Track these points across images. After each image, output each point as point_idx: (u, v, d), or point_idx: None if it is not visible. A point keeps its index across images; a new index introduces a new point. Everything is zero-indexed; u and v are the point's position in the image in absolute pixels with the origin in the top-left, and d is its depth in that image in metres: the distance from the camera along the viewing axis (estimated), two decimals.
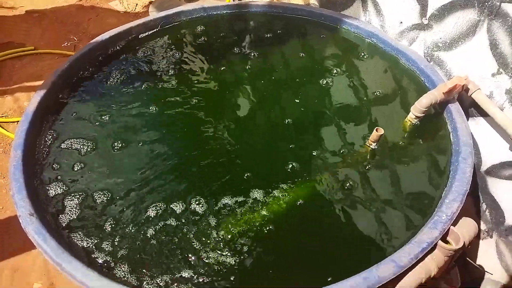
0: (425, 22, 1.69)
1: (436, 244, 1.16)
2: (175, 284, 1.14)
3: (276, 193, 1.38)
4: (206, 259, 1.20)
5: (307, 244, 1.28)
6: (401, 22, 1.82)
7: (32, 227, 1.15)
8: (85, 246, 1.21)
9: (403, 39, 1.85)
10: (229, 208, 1.33)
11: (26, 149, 1.36)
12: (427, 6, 1.65)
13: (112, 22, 3.69)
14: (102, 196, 1.35)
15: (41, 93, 1.52)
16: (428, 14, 1.66)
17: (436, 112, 1.60)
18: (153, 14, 2.49)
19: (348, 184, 1.41)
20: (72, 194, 1.35)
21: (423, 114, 1.53)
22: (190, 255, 1.21)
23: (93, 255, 1.19)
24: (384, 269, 1.07)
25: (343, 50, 1.97)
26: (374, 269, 1.07)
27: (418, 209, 1.34)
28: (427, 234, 1.17)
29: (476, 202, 1.64)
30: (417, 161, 1.49)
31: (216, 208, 1.33)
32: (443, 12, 1.59)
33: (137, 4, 3.96)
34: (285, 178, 1.42)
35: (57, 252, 1.09)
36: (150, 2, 3.97)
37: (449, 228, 1.21)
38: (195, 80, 1.83)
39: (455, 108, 1.54)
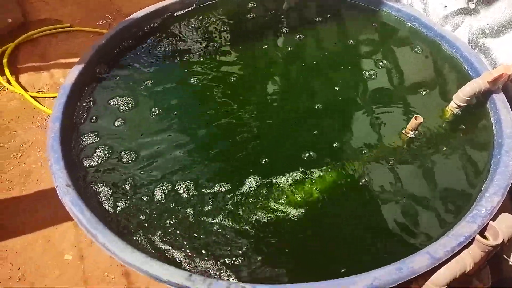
0: (472, 6, 1.61)
1: (473, 239, 1.12)
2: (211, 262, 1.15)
3: (313, 178, 1.36)
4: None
5: (342, 232, 1.27)
6: (446, 6, 1.73)
7: (68, 197, 1.17)
8: (119, 218, 1.24)
9: (447, 24, 1.76)
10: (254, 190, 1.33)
11: (63, 122, 1.39)
12: None
13: (146, 2, 3.70)
14: (138, 171, 1.37)
15: (78, 67, 1.54)
16: None
17: (479, 102, 1.53)
18: None
19: (382, 174, 1.38)
20: (109, 167, 1.38)
21: (465, 104, 1.46)
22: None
23: (128, 227, 1.22)
24: (418, 261, 1.04)
25: (382, 34, 1.91)
26: (408, 260, 1.04)
27: (455, 202, 1.30)
28: (465, 227, 1.12)
29: None
30: (456, 153, 1.44)
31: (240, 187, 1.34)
32: None
33: None
34: (322, 164, 1.40)
35: (93, 223, 1.11)
36: None
37: (488, 223, 1.16)
38: (229, 60, 1.82)
39: (499, 99, 1.46)
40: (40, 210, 2.32)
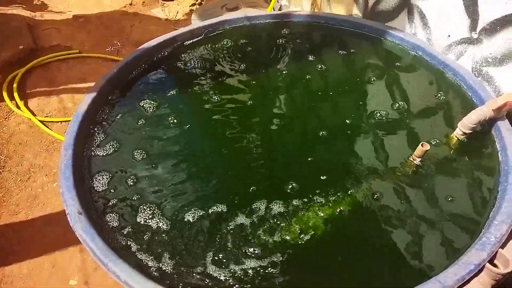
0: (475, 36, 1.65)
1: (483, 267, 1.12)
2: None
3: (312, 204, 1.37)
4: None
5: (343, 260, 1.26)
6: (449, 36, 1.78)
7: (80, 225, 1.18)
8: (132, 248, 1.24)
9: (450, 53, 1.80)
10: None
11: (76, 148, 1.42)
12: (478, 20, 1.61)
13: (154, 29, 3.81)
14: (150, 196, 1.39)
15: (91, 95, 1.58)
16: (479, 28, 1.62)
17: (484, 130, 1.55)
18: (196, 23, 2.55)
19: (389, 200, 1.38)
20: (121, 196, 1.39)
21: (470, 131, 1.48)
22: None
23: (139, 255, 1.22)
24: None
25: (386, 62, 1.95)
26: None
27: (462, 230, 1.30)
28: (475, 255, 1.13)
29: None
30: (462, 180, 1.45)
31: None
32: (495, 27, 1.55)
33: (178, 12, 4.07)
34: (322, 190, 1.41)
35: (104, 251, 1.12)
36: (191, 10, 4.06)
37: (497, 250, 1.16)
38: (236, 87, 1.85)
39: (504, 126, 1.48)
40: (46, 235, 2.33)
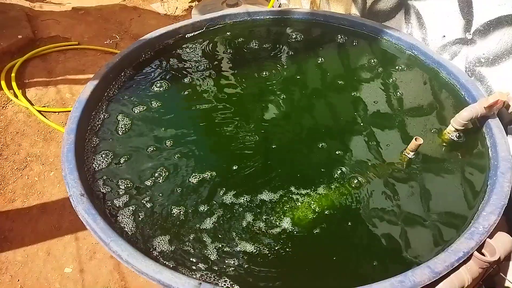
0: (469, 37, 1.70)
1: (471, 255, 1.17)
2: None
3: (310, 197, 1.41)
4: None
5: (335, 252, 1.30)
6: (444, 36, 1.83)
7: (82, 206, 1.21)
8: (132, 228, 1.27)
9: (445, 53, 1.86)
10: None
11: (78, 134, 1.44)
12: (472, 21, 1.66)
13: (153, 23, 3.83)
14: (147, 180, 1.42)
15: (94, 82, 1.60)
16: (473, 29, 1.67)
17: (475, 127, 1.60)
18: (196, 17, 2.58)
19: (382, 192, 1.43)
20: (120, 178, 1.42)
21: (462, 128, 1.54)
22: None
23: (140, 236, 1.25)
24: (419, 274, 1.08)
25: (382, 61, 2.00)
26: (410, 273, 1.09)
27: (453, 221, 1.35)
28: (464, 244, 1.17)
29: (509, 220, 1.63)
30: (453, 174, 1.50)
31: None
32: (488, 28, 1.60)
33: (177, 8, 4.10)
34: (319, 183, 1.45)
35: (106, 231, 1.15)
36: (190, 7, 4.09)
37: (485, 240, 1.21)
38: (233, 82, 1.89)
39: (495, 124, 1.54)
40: (42, 223, 2.34)
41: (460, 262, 1.14)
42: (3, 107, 2.93)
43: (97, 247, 2.23)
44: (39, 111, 2.88)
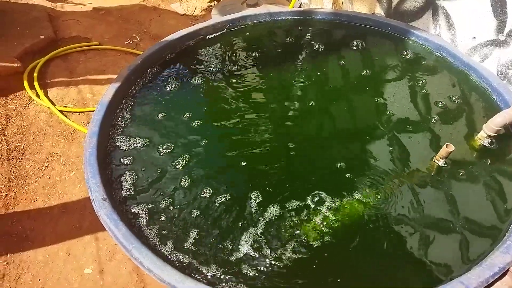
0: (502, 38, 1.63)
1: (507, 271, 1.11)
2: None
3: (333, 204, 1.37)
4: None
5: (365, 263, 1.25)
6: (474, 37, 1.76)
7: (104, 211, 1.20)
8: (153, 234, 1.26)
9: (475, 55, 1.79)
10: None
11: (100, 137, 1.43)
12: (506, 22, 1.59)
13: (172, 23, 3.82)
14: (170, 185, 1.40)
15: (115, 84, 1.59)
16: (506, 30, 1.60)
17: (508, 133, 1.53)
18: (216, 17, 2.55)
19: (410, 201, 1.37)
20: (143, 183, 1.41)
21: (495, 134, 1.47)
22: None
23: (162, 243, 1.23)
24: None
25: (409, 62, 1.93)
26: None
27: (485, 234, 1.29)
28: (499, 258, 1.12)
29: None
30: (485, 182, 1.43)
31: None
32: None
33: (196, 8, 4.09)
34: (342, 191, 1.41)
35: (127, 237, 1.13)
36: (209, 6, 4.08)
37: None
38: (256, 84, 1.86)
39: None
40: (62, 223, 2.35)
41: (496, 278, 1.08)
42: (26, 106, 2.96)
43: (117, 248, 2.23)
44: (61, 111, 2.90)
